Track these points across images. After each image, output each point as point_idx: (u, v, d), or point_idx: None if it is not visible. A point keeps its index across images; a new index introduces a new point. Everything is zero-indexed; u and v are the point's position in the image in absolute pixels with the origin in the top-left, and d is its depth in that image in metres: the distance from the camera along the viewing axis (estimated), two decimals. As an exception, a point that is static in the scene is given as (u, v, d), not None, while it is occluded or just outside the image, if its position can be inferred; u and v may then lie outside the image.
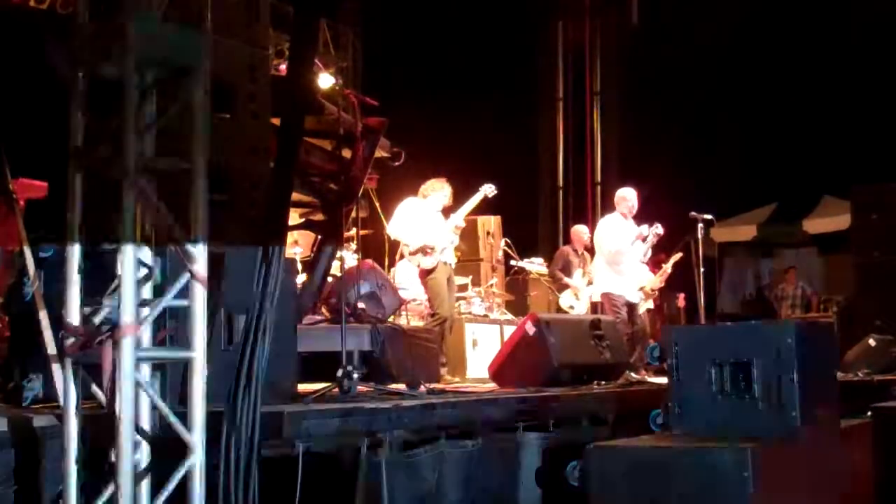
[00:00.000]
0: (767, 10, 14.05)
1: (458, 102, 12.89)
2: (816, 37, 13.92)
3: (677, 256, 9.87)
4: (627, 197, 9.37)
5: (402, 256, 9.01)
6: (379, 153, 7.29)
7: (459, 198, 8.68)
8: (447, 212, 8.62)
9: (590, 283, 10.42)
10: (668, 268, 9.85)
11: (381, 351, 6.61)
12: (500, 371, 6.79)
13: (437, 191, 8.55)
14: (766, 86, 14.63)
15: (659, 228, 9.30)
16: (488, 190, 8.88)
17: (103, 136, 3.11)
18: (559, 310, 10.26)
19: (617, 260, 9.19)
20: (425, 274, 8.30)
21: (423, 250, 8.29)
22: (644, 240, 9.19)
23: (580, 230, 11.09)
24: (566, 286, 10.48)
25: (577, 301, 10.40)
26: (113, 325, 3.02)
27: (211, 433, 3.15)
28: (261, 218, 4.39)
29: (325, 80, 9.08)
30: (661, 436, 3.97)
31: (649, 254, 9.54)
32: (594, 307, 9.99)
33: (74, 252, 3.12)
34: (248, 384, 3.64)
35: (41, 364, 4.01)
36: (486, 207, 9.78)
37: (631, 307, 9.26)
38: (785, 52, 14.32)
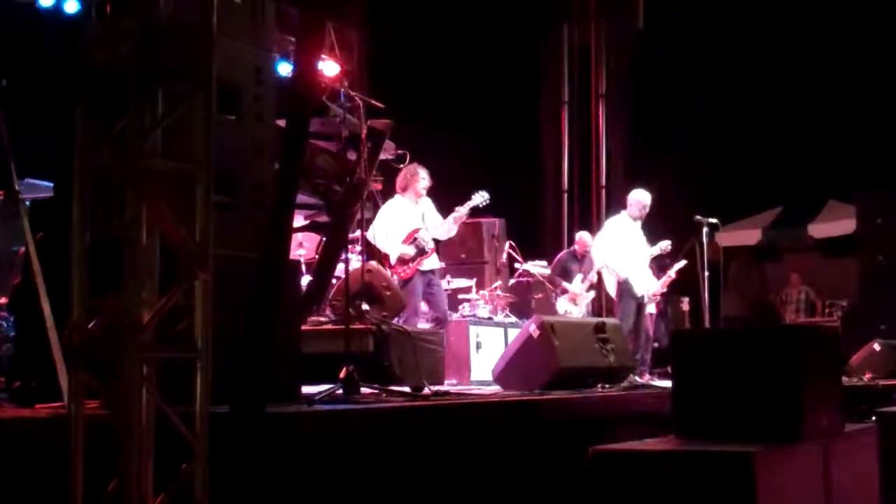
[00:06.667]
0: (773, 15, 14.05)
1: (462, 105, 12.90)
2: (821, 42, 13.92)
3: (681, 264, 9.88)
4: (643, 201, 9.40)
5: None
6: (384, 155, 7.28)
7: (459, 202, 8.63)
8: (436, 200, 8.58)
9: (590, 288, 10.44)
10: (672, 273, 9.86)
11: (385, 353, 6.61)
12: (504, 374, 6.78)
13: (412, 180, 8.46)
14: (772, 90, 14.63)
15: (668, 245, 9.43)
16: (480, 200, 8.69)
17: (108, 136, 3.11)
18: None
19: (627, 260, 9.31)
20: (403, 285, 8.19)
21: (402, 260, 8.27)
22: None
23: (586, 237, 11.13)
24: (564, 291, 10.48)
25: (573, 307, 10.39)
26: (118, 325, 3.03)
27: (215, 435, 3.14)
28: (265, 219, 4.41)
29: (331, 68, 8.90)
30: (664, 440, 3.97)
31: (649, 259, 9.64)
32: (603, 309, 10.04)
33: (79, 252, 3.13)
34: (252, 385, 3.65)
35: (47, 363, 4.02)
36: (490, 210, 9.76)
37: (639, 306, 9.32)
38: (791, 56, 14.32)
